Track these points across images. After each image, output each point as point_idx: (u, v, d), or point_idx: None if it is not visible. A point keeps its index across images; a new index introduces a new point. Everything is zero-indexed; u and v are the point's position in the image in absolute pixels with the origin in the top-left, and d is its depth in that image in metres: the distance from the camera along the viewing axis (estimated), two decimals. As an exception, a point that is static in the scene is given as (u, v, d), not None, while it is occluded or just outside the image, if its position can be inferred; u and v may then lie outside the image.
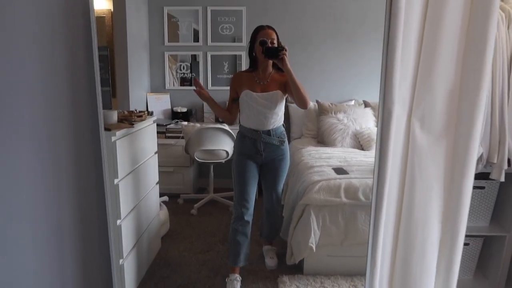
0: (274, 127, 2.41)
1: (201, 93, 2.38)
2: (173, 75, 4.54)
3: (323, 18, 4.27)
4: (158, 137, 3.99)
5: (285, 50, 2.17)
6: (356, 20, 4.25)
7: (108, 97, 2.82)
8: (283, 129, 2.49)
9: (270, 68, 2.39)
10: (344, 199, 2.51)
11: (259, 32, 2.32)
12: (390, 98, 1.29)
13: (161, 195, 3.73)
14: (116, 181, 2.14)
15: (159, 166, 3.85)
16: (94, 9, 1.71)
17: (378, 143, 1.35)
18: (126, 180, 2.27)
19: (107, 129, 2.17)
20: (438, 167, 1.40)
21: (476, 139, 1.40)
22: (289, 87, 2.29)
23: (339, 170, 2.79)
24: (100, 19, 4.25)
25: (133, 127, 2.34)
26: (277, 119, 2.41)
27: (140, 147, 2.53)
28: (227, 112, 2.51)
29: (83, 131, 1.80)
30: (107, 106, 2.82)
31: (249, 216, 2.45)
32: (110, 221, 1.93)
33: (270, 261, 2.75)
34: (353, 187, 2.54)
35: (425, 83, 1.32)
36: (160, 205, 3.23)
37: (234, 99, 2.46)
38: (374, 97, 4.17)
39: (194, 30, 4.39)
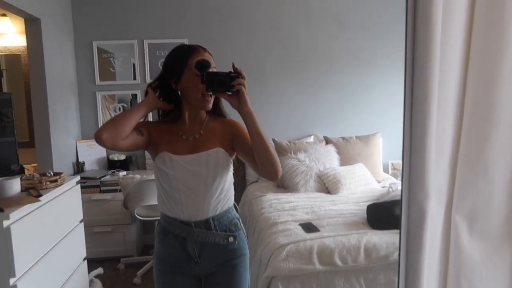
0: (217, 212, 1.42)
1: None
2: (111, 115, 3.96)
3: (272, 48, 3.91)
4: (92, 192, 3.43)
5: (243, 78, 1.30)
6: (307, 49, 3.91)
7: (11, 150, 2.19)
8: (234, 213, 1.50)
9: (204, 113, 1.47)
10: (318, 266, 2.06)
11: (191, 55, 1.38)
12: (422, 188, 0.79)
13: (97, 260, 3.11)
14: (12, 281, 1.54)
15: (94, 226, 3.36)
16: None
17: (403, 259, 0.84)
18: (32, 273, 1.68)
19: (-1, 208, 1.59)
20: None
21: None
22: (242, 143, 1.42)
23: (308, 227, 2.34)
24: (14, 57, 3.63)
25: (40, 200, 1.76)
26: (222, 198, 1.43)
27: (56, 221, 1.95)
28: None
29: None
30: (12, 162, 2.21)
31: None
32: None
33: None
34: (328, 250, 2.09)
35: (473, 162, 0.86)
36: (92, 282, 2.60)
37: (138, 129, 1.39)
38: (335, 132, 3.82)
39: (134, 65, 3.86)
